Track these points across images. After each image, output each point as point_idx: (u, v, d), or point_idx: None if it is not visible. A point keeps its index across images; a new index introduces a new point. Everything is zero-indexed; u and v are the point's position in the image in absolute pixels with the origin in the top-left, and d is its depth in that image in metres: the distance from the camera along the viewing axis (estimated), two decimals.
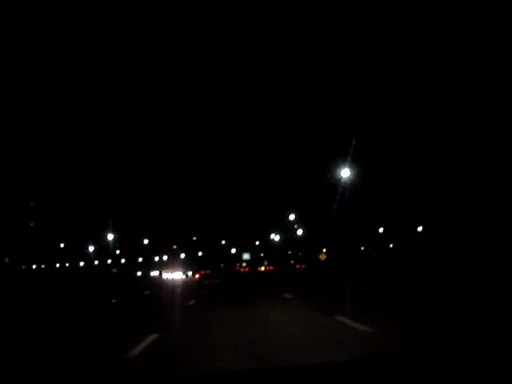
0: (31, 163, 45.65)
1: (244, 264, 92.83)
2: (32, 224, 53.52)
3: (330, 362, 2.28)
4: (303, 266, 65.29)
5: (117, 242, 66.32)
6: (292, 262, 67.05)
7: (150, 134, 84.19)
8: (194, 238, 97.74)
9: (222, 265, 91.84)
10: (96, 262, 68.53)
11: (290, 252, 77.28)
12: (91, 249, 53.57)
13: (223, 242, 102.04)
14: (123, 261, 76.85)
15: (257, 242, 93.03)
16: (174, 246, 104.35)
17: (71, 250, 65.34)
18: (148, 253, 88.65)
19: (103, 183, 66.58)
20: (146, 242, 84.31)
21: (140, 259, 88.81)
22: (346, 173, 27.83)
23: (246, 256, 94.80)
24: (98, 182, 64.44)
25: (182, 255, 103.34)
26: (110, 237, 47.92)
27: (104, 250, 70.84)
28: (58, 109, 51.72)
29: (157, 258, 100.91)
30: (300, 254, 69.48)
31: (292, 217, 45.67)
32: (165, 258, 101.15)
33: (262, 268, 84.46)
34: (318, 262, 37.90)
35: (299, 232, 51.01)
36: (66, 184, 55.44)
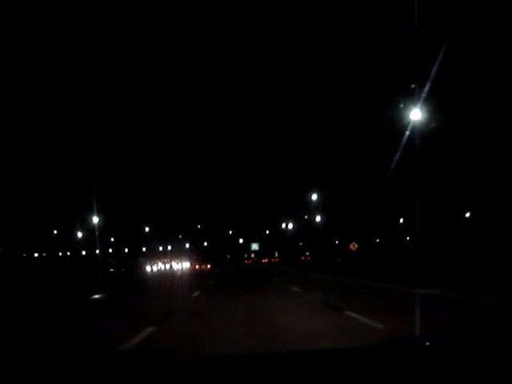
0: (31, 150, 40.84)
1: (252, 255, 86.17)
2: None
3: (337, 348, 2.28)
4: (309, 258, 60.93)
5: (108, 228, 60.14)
6: (307, 253, 59.66)
7: (157, 120, 78.26)
8: (199, 227, 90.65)
9: (229, 256, 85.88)
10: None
11: (300, 243, 70.05)
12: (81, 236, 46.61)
13: (230, 232, 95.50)
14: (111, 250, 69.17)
15: (267, 232, 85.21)
16: (180, 236, 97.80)
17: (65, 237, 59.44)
18: (150, 241, 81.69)
19: (104, 168, 60.33)
20: (147, 229, 77.55)
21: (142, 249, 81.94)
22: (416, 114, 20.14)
23: (255, 246, 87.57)
24: (98, 166, 58.38)
25: (187, 245, 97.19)
26: (95, 220, 40.85)
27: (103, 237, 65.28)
28: (55, 96, 47.99)
29: (160, 248, 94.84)
30: (312, 243, 62.13)
31: (314, 197, 37.92)
32: (169, 247, 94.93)
33: (266, 260, 79.80)
34: (347, 253, 30.86)
35: (318, 219, 43.83)
36: (62, 168, 50.16)
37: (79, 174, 50.19)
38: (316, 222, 43.73)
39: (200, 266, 55.20)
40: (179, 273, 48.60)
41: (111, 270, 38.52)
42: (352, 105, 42.42)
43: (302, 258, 63.30)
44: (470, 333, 2.44)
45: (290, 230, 60.00)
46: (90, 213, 41.93)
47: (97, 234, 40.71)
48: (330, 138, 47.98)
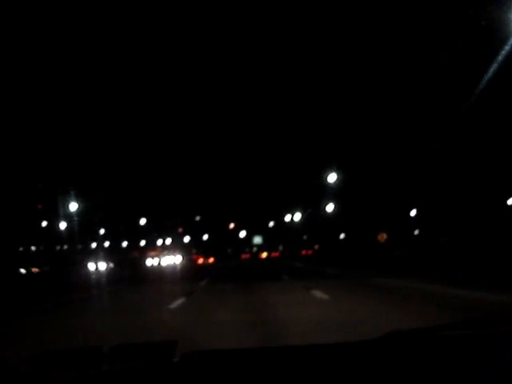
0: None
1: (255, 249, 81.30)
2: (40, 206, 45.97)
3: (339, 342, 2.05)
4: (309, 253, 57.91)
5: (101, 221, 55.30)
6: (315, 246, 54.36)
7: (154, 108, 74.18)
8: (198, 218, 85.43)
9: (230, 250, 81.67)
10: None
11: (304, 237, 65.01)
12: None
13: (232, 226, 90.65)
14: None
15: (271, 223, 79.35)
16: (180, 229, 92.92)
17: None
18: (145, 234, 76.74)
19: (97, 156, 56.31)
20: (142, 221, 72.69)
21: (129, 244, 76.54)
22: None
23: (258, 240, 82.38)
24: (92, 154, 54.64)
25: (187, 238, 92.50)
26: (73, 207, 35.77)
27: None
28: (53, 89, 43.60)
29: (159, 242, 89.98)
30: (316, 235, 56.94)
31: (332, 178, 32.06)
32: (168, 241, 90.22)
33: (264, 254, 76.05)
34: (374, 245, 25.97)
35: (330, 208, 38.86)
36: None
37: (68, 164, 47.22)
38: (327, 212, 38.91)
39: (203, 260, 59.67)
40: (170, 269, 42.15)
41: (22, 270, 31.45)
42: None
43: (303, 252, 60.54)
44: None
45: (297, 222, 54.86)
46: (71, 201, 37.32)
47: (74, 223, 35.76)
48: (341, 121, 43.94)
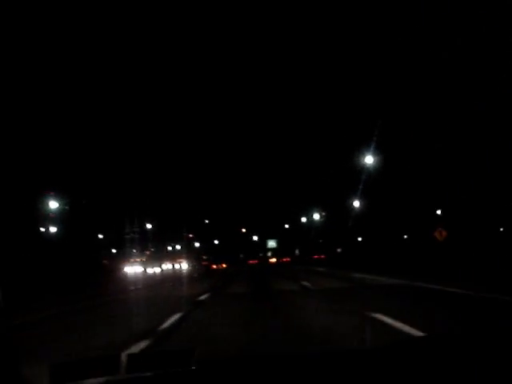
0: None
1: (269, 253, 76.56)
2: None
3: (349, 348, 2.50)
4: (322, 257, 54.83)
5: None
6: (338, 249, 49.30)
7: (161, 111, 72.37)
8: (207, 221, 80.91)
9: (242, 255, 77.60)
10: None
11: (320, 240, 60.17)
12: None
13: (244, 230, 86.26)
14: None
15: (286, 226, 73.73)
16: (190, 235, 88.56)
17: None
18: (155, 240, 72.27)
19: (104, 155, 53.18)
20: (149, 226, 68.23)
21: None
22: None
23: (272, 243, 77.54)
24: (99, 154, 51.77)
25: (197, 244, 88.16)
26: (54, 205, 31.34)
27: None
28: (56, 90, 43.07)
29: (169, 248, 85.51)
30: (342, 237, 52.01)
31: (370, 159, 26.56)
32: (178, 247, 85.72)
33: (274, 259, 72.51)
34: (435, 242, 21.18)
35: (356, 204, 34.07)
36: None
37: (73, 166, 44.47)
38: (354, 208, 34.18)
39: (217, 266, 62.17)
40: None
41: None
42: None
43: (315, 256, 57.48)
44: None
45: (316, 222, 49.89)
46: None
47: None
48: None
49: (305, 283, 15.63)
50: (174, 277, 32.94)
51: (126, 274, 41.17)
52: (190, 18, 70.57)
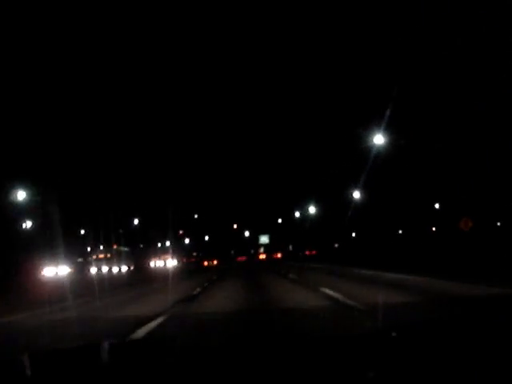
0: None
1: (262, 249, 73.68)
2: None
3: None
4: (313, 253, 54.42)
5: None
6: (335, 245, 46.30)
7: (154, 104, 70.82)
8: (196, 216, 77.69)
9: (233, 251, 75.17)
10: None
11: (314, 235, 57.38)
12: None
13: (235, 226, 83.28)
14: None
15: (279, 220, 70.39)
16: (181, 232, 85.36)
17: None
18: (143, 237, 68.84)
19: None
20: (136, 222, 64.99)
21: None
22: None
23: (264, 239, 74.58)
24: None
25: (187, 240, 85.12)
26: (22, 195, 28.07)
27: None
28: (52, 90, 43.63)
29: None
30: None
31: (379, 139, 23.28)
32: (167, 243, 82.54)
33: (263, 256, 69.81)
34: (458, 232, 18.49)
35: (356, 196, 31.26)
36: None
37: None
38: (354, 200, 31.40)
39: (208, 262, 62.51)
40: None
41: None
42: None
43: (307, 252, 57.10)
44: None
45: (310, 216, 46.95)
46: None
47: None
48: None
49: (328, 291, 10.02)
50: (135, 280, 25.53)
51: (45, 277, 31.59)
52: (189, 17, 71.23)
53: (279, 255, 65.82)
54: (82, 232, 52.47)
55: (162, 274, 26.99)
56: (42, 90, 41.26)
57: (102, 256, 51.33)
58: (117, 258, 48.38)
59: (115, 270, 43.59)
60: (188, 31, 66.71)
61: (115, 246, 57.84)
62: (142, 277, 28.34)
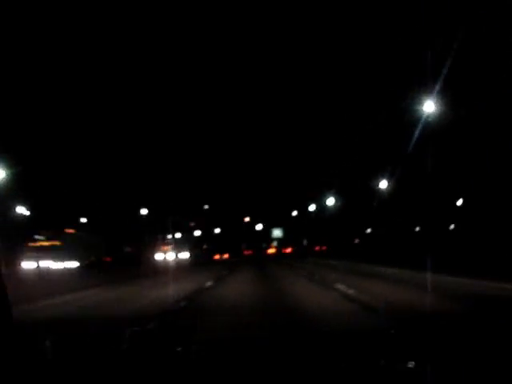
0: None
1: (275, 243, 70.57)
2: None
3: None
4: (324, 248, 54.23)
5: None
6: (356, 240, 42.41)
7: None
8: (206, 207, 74.53)
9: (244, 245, 73.34)
10: None
11: (331, 229, 54.09)
12: None
13: (247, 219, 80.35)
14: None
15: (294, 213, 66.33)
16: (192, 223, 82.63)
17: None
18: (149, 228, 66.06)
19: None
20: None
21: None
22: None
23: (277, 233, 71.15)
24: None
25: (197, 233, 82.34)
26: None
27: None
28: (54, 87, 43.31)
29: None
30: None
31: (430, 106, 19.08)
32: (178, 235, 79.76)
33: (273, 250, 69.50)
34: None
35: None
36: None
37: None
38: (380, 190, 27.99)
39: (219, 256, 63.44)
40: None
41: None
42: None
43: (317, 248, 57.29)
44: None
45: (328, 208, 43.21)
46: None
47: None
48: None
49: None
50: None
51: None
52: (189, 17, 67.84)
53: (289, 250, 64.86)
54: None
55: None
56: (41, 89, 41.56)
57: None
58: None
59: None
60: (188, 31, 64.83)
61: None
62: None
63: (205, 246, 75.44)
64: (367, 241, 40.20)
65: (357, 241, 43.44)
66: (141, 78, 67.07)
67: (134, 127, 60.61)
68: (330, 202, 41.69)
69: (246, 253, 68.33)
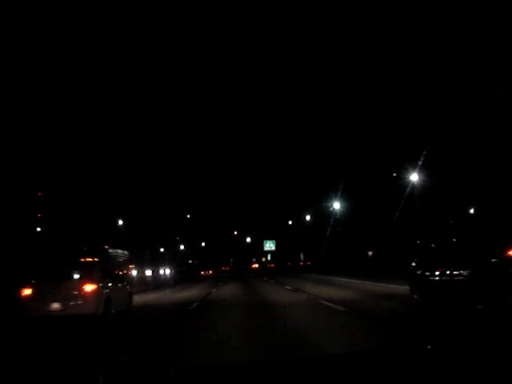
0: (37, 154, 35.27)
1: (269, 256, 64.76)
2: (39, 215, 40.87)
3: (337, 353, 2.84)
4: (308, 263, 52.77)
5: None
6: (369, 253, 36.42)
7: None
8: (188, 216, 68.31)
9: (232, 260, 69.71)
10: None
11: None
12: None
13: (235, 233, 74.69)
14: None
15: (289, 222, 59.53)
16: (177, 238, 76.29)
17: None
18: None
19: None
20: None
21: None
22: None
23: (270, 245, 64.98)
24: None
25: (181, 247, 76.10)
26: None
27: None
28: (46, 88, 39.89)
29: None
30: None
31: None
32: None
33: (255, 265, 70.31)
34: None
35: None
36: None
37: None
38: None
39: (204, 272, 63.89)
40: None
41: None
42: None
43: (301, 263, 57.48)
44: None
45: (333, 215, 37.24)
46: None
47: None
48: None
49: None
50: None
51: None
52: (189, 17, 69.10)
53: (272, 265, 66.94)
54: None
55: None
56: (40, 89, 38.74)
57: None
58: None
59: None
60: (188, 31, 64.99)
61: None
62: None
63: (190, 261, 69.77)
64: (329, 259, 38.42)
65: (370, 253, 38.53)
66: (130, 90, 64.51)
67: (122, 141, 57.14)
68: (337, 205, 36.67)
69: (222, 268, 70.98)
